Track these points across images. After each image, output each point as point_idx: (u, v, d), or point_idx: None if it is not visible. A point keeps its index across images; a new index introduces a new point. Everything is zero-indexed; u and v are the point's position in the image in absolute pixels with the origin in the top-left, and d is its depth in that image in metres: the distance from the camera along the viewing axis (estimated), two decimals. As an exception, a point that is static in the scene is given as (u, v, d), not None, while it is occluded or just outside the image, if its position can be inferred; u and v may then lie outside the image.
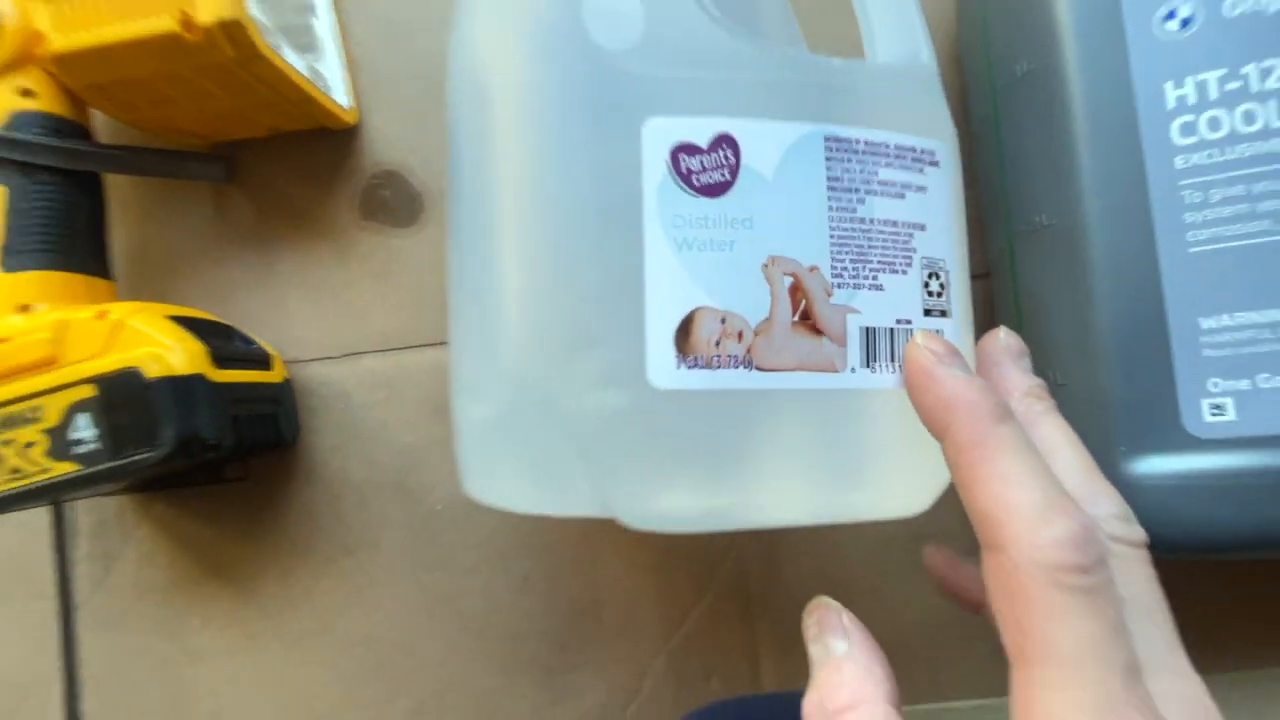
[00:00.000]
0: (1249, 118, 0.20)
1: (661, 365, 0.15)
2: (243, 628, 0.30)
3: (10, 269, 0.26)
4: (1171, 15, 0.21)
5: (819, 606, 0.18)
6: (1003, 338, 0.19)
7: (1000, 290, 0.27)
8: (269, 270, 0.31)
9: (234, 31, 0.23)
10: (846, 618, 0.17)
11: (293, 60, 0.27)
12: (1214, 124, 0.20)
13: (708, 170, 0.15)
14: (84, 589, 0.31)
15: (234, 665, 0.30)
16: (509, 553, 0.30)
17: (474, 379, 0.18)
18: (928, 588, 0.27)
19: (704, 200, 0.15)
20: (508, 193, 0.16)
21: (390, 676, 0.30)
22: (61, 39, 0.24)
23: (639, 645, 0.30)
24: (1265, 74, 0.20)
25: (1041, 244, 0.24)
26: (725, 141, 0.15)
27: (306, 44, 0.29)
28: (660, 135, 0.15)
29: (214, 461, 0.29)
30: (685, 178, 0.15)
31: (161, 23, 0.23)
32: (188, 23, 0.23)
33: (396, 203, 0.31)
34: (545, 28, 0.15)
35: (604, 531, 0.30)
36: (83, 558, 0.31)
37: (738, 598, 0.30)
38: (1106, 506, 0.17)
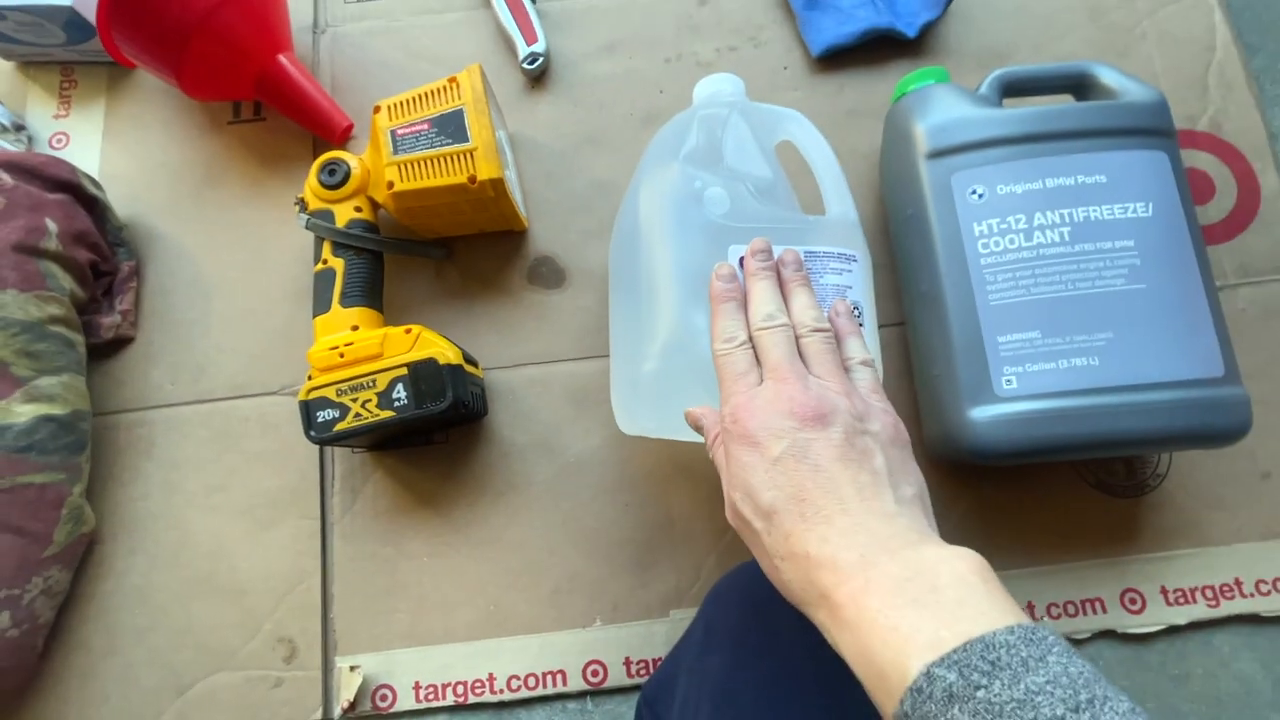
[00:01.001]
0: (1012, 241, 0.41)
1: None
2: (441, 538, 0.47)
3: (345, 305, 0.45)
4: (974, 192, 0.42)
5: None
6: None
7: (909, 328, 0.47)
8: (468, 312, 0.50)
9: (495, 184, 0.44)
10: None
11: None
12: (996, 244, 0.41)
13: (757, 260, 0.35)
14: (337, 512, 0.48)
15: (434, 563, 0.47)
16: (614, 488, 0.47)
17: (638, 353, 0.37)
18: None
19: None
20: (664, 270, 0.36)
21: (537, 569, 0.46)
22: (401, 185, 0.44)
23: (697, 548, 0.46)
24: (1017, 220, 0.41)
25: (924, 301, 0.44)
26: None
27: (508, 182, 0.50)
28: (735, 252, 0.35)
29: (442, 423, 0.47)
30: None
31: (458, 179, 0.43)
32: (473, 178, 0.43)
33: (550, 275, 0.51)
34: (685, 203, 0.36)
35: (672, 474, 0.47)
36: (337, 491, 0.48)
37: (759, 519, 0.47)
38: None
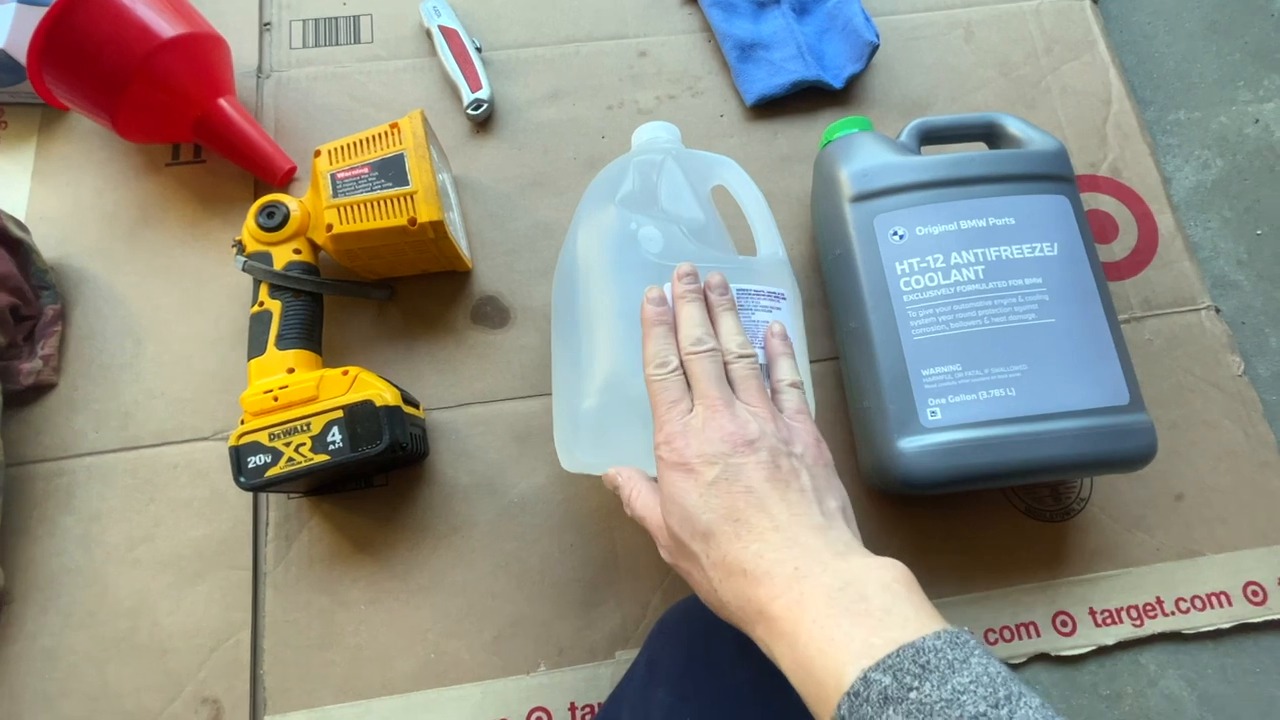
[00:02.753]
0: (931, 279, 0.43)
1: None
2: (380, 585, 0.46)
3: (281, 348, 0.44)
4: (895, 233, 0.45)
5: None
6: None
7: (842, 363, 0.49)
8: (411, 352, 0.50)
9: (436, 226, 0.44)
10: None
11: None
12: (917, 282, 0.43)
13: (688, 299, 0.36)
14: (270, 561, 0.46)
15: (372, 612, 0.45)
16: (559, 528, 0.47)
17: (578, 390, 0.37)
18: None
19: (686, 311, 0.36)
20: (602, 308, 0.37)
21: (479, 614, 0.45)
22: (340, 227, 0.44)
23: (643, 585, 0.46)
24: (935, 260, 0.43)
25: (853, 337, 0.46)
26: (695, 288, 0.37)
27: (450, 224, 0.51)
28: (670, 289, 0.36)
29: (380, 466, 0.46)
30: (678, 302, 0.36)
31: (399, 221, 0.44)
32: (413, 221, 0.44)
33: (494, 314, 0.51)
34: (621, 243, 0.37)
35: (616, 511, 0.47)
36: (271, 539, 0.46)
37: (704, 554, 0.47)
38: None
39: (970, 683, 0.22)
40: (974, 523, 0.48)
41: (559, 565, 0.46)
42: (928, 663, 0.22)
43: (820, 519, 0.29)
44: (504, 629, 0.45)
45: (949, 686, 0.22)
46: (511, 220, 0.54)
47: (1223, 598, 0.47)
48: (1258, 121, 0.60)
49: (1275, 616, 0.46)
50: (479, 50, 0.57)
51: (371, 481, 0.48)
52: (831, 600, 0.25)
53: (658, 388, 0.32)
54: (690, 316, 0.34)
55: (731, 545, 0.28)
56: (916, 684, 0.22)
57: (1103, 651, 0.46)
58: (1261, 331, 0.55)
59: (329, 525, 0.47)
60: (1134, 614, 0.46)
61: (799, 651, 0.25)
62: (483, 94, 0.54)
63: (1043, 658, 0.46)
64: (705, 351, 0.33)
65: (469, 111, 0.54)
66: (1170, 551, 0.48)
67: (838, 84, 0.56)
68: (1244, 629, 0.46)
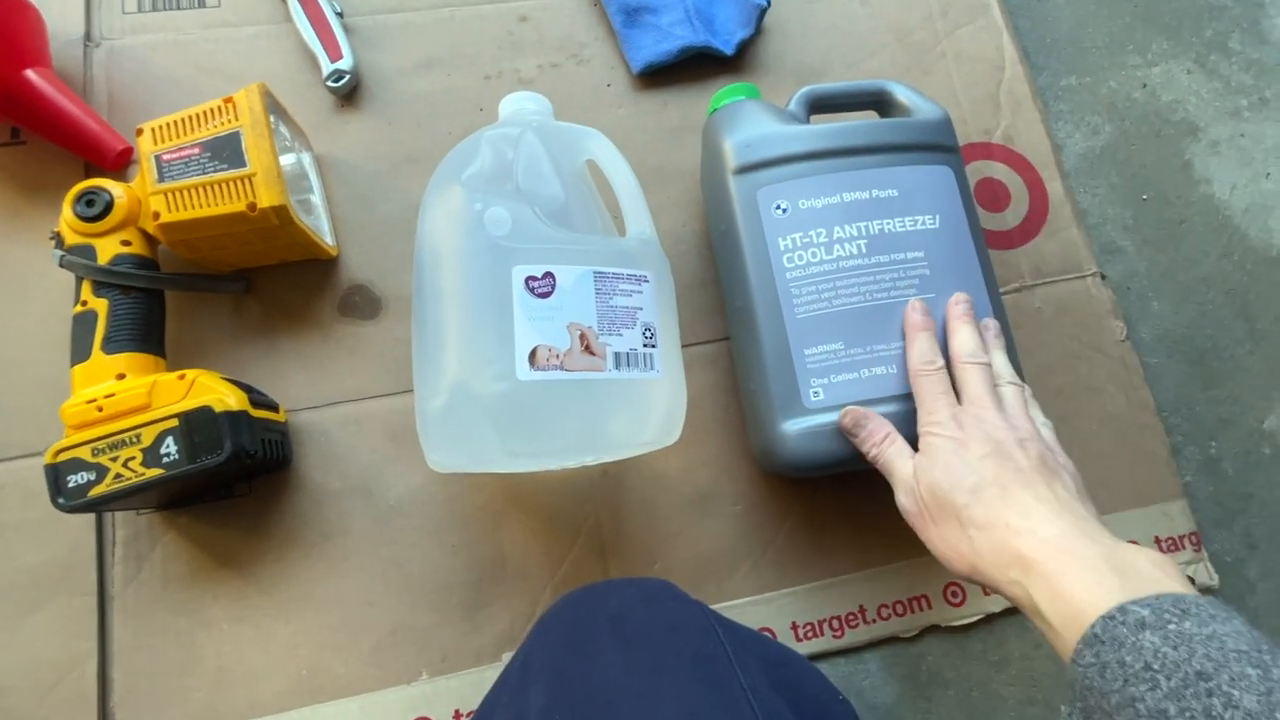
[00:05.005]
0: (814, 255, 0.42)
1: (523, 370, 0.32)
2: (245, 601, 0.43)
3: (109, 352, 0.40)
4: (778, 207, 0.43)
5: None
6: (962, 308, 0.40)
7: (732, 344, 0.47)
8: (272, 349, 0.46)
9: (279, 211, 0.40)
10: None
11: (303, 220, 0.44)
12: (800, 258, 0.42)
13: (541, 286, 0.34)
14: (118, 584, 0.42)
15: (236, 630, 0.42)
16: (441, 529, 0.45)
17: (431, 387, 0.35)
18: (714, 531, 0.44)
19: (540, 300, 0.34)
20: (450, 297, 0.34)
21: (356, 625, 0.43)
22: (168, 215, 0.40)
23: (532, 583, 0.44)
24: (818, 234, 0.42)
25: (739, 317, 0.44)
26: (549, 275, 0.34)
27: (308, 208, 0.47)
28: (520, 273, 0.34)
29: (237, 475, 0.42)
30: (532, 290, 0.34)
31: (236, 207, 0.40)
32: (252, 206, 0.40)
33: (364, 305, 0.48)
34: (467, 225, 0.34)
35: (504, 508, 0.45)
36: (118, 560, 0.42)
37: (595, 547, 0.46)
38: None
39: (1233, 630, 0.23)
40: (868, 500, 0.47)
41: (442, 568, 0.44)
42: (1188, 609, 0.23)
43: (1084, 512, 0.31)
44: (383, 639, 0.43)
45: (1209, 628, 0.23)
46: (382, 202, 0.50)
47: (1103, 559, 0.48)
48: (1145, 86, 0.60)
49: (1151, 574, 0.48)
50: (340, 16, 0.52)
51: (232, 491, 0.44)
52: (1101, 560, 0.27)
53: (925, 381, 0.37)
54: (969, 334, 0.39)
55: (996, 503, 0.31)
56: (1175, 621, 0.23)
57: (990, 619, 0.47)
58: (1145, 296, 0.56)
59: (186, 541, 0.43)
60: (1021, 580, 0.47)
61: (1058, 585, 0.27)
62: (344, 64, 0.50)
63: (934, 629, 0.46)
64: (980, 364, 0.37)
65: (329, 84, 0.50)
66: (1055, 517, 0.48)
67: (729, 50, 0.54)
68: (1123, 588, 0.48)
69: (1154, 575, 0.26)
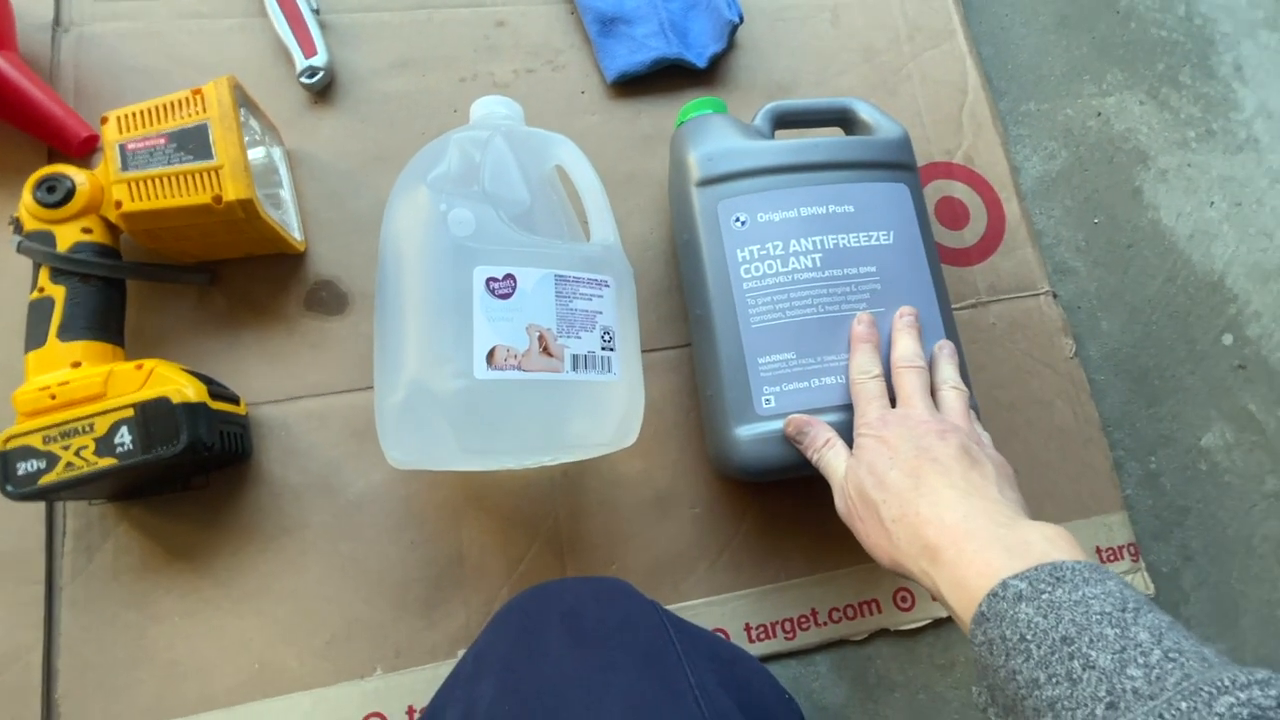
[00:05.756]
0: (770, 267, 0.43)
1: (480, 369, 0.33)
2: (198, 594, 0.42)
3: (65, 339, 0.39)
4: (738, 219, 0.44)
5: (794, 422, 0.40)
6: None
7: (693, 350, 0.48)
8: (236, 342, 0.46)
9: (245, 205, 0.40)
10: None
11: (271, 214, 0.44)
12: (757, 269, 0.43)
13: (502, 287, 0.34)
14: (67, 575, 0.42)
15: (190, 624, 0.42)
16: (400, 526, 0.45)
17: (389, 384, 0.35)
18: (671, 533, 0.45)
19: (500, 301, 0.34)
20: (412, 295, 0.35)
21: (313, 619, 0.43)
22: (131, 205, 0.40)
23: (489, 581, 0.45)
24: (775, 247, 0.43)
25: (699, 325, 0.45)
26: (510, 276, 0.35)
27: (276, 202, 0.47)
28: (481, 273, 0.34)
29: (194, 467, 0.42)
30: (492, 291, 0.34)
31: (201, 199, 0.40)
32: (218, 199, 0.40)
33: (330, 300, 0.48)
34: (430, 225, 0.35)
35: (463, 507, 0.46)
36: (68, 551, 0.42)
37: (554, 546, 0.46)
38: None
39: (1102, 593, 0.24)
40: (822, 506, 0.48)
41: (400, 565, 0.44)
42: (1063, 576, 0.25)
43: (997, 495, 0.32)
44: (337, 633, 0.43)
45: (1080, 593, 0.24)
46: (353, 198, 0.50)
47: (1045, 567, 0.50)
48: (1099, 115, 0.63)
49: (1090, 583, 0.50)
50: (316, 12, 0.52)
51: (189, 483, 0.44)
52: (995, 540, 0.28)
53: (861, 389, 0.39)
54: (908, 342, 0.40)
55: (909, 494, 0.32)
56: (1049, 590, 0.24)
57: (938, 624, 0.48)
58: (1094, 315, 0.58)
59: (139, 533, 0.43)
60: (966, 586, 0.49)
61: (957, 574, 0.28)
62: (317, 60, 0.50)
63: (883, 633, 0.48)
64: (915, 368, 0.39)
65: (302, 80, 0.50)
66: (1001, 526, 0.50)
67: (701, 63, 0.55)
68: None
69: (1042, 548, 0.27)
